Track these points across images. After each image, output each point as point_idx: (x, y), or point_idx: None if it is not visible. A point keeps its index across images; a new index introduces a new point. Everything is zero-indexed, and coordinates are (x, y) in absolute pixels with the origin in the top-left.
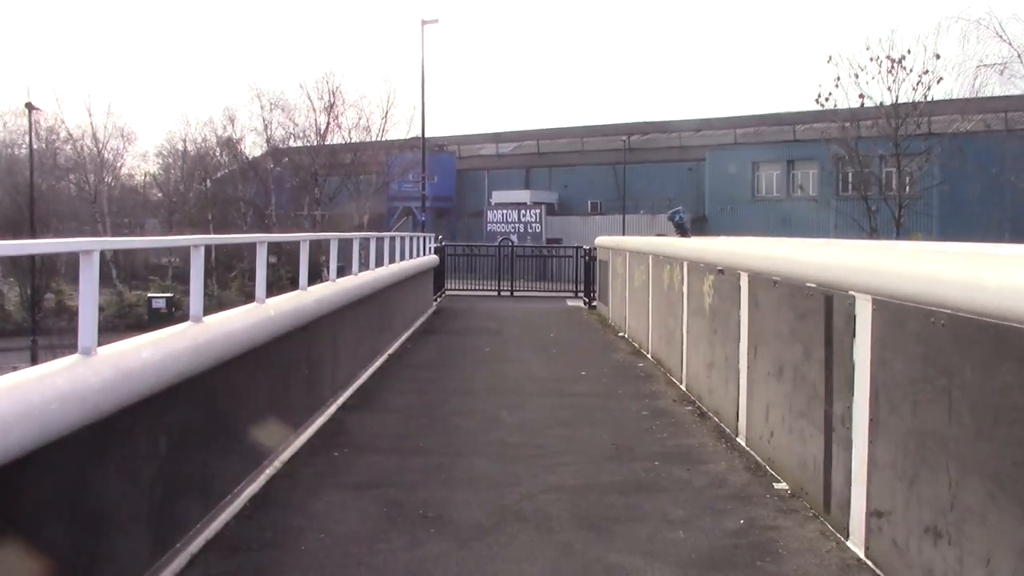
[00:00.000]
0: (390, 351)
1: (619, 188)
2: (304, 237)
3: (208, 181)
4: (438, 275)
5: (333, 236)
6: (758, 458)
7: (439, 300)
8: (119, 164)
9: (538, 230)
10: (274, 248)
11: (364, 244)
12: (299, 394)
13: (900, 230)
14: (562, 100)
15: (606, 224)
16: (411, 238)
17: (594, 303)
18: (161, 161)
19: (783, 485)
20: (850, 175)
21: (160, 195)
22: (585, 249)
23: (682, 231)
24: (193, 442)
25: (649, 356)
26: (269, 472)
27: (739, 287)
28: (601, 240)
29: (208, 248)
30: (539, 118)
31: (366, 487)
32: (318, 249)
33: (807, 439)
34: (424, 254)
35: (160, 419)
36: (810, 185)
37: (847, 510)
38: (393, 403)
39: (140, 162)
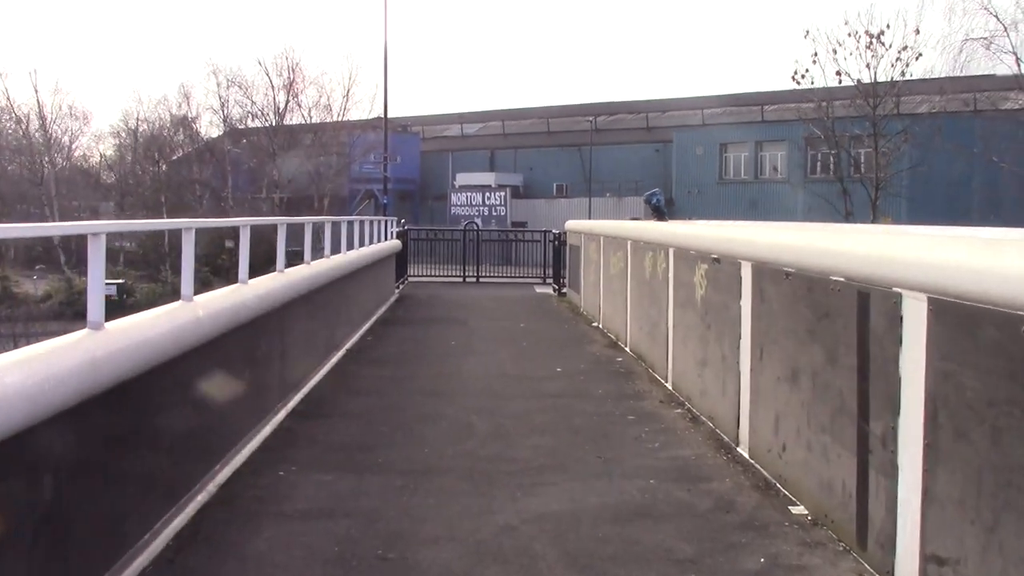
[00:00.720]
0: (348, 345)
1: (585, 170)
2: (244, 222)
3: (162, 163)
4: (401, 261)
5: (280, 220)
6: (766, 474)
7: (401, 287)
8: (73, 145)
9: (503, 213)
10: (230, 232)
11: (318, 229)
12: (239, 402)
13: (876, 212)
14: (528, 80)
15: (571, 208)
16: (371, 222)
17: (564, 290)
18: (117, 141)
19: (801, 509)
20: (820, 156)
21: (115, 177)
22: (554, 233)
23: (659, 214)
24: (95, 476)
25: (628, 349)
26: (201, 499)
27: (740, 278)
28: (572, 224)
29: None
30: (504, 98)
31: (315, 517)
32: (274, 234)
33: (832, 459)
34: (386, 239)
35: (42, 456)
36: (780, 167)
37: (891, 549)
38: (350, 407)
39: (95, 143)
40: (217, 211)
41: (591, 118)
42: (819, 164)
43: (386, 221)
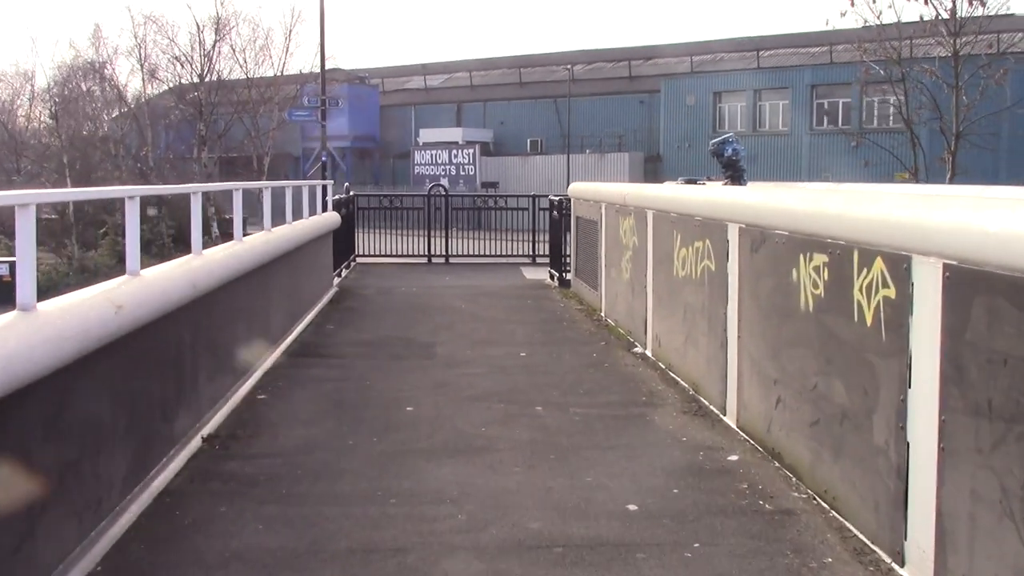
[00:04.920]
0: (212, 426)
1: (562, 125)
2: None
3: (54, 115)
4: (344, 238)
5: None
6: None
7: (345, 275)
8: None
9: (472, 172)
10: (154, 198)
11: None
12: None
13: (955, 169)
14: (497, 26)
15: (548, 165)
16: (298, 190)
17: (567, 274)
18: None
19: None
20: (827, 105)
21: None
22: (552, 200)
23: (736, 173)
24: None
25: (734, 426)
26: None
27: None
28: (582, 188)
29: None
30: (472, 47)
31: None
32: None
33: None
34: (316, 212)
35: None
36: (779, 118)
37: None
38: None
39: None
40: (136, 175)
41: (567, 67)
42: (826, 114)
43: (318, 188)
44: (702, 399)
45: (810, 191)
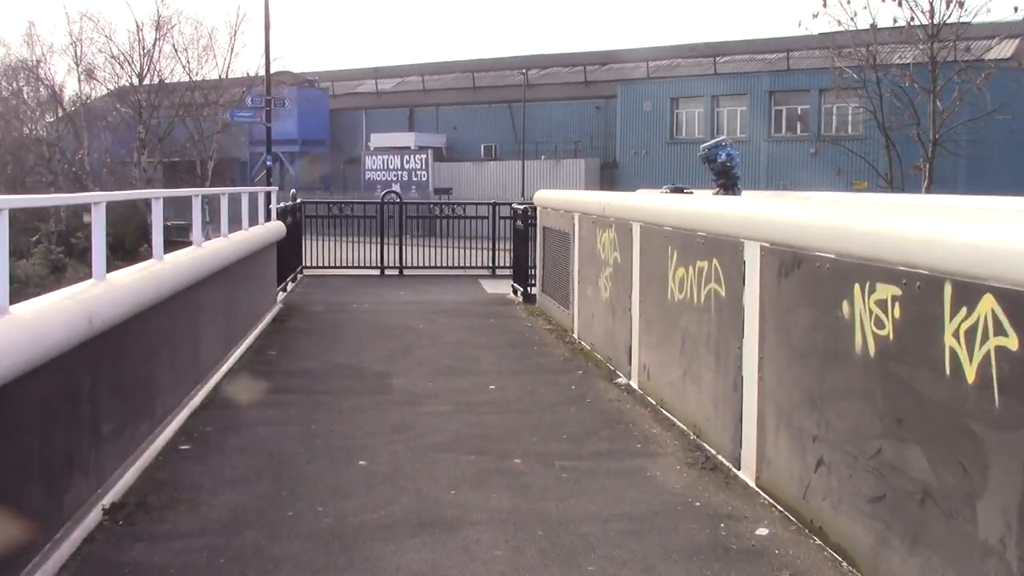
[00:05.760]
0: (126, 481)
1: (516, 130)
2: None
3: None
4: (290, 249)
5: None
6: None
7: (291, 289)
8: None
9: (424, 178)
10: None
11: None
12: None
13: (932, 178)
14: (450, 29)
15: (502, 171)
16: (236, 197)
17: (532, 289)
18: None
19: None
20: (785, 112)
21: None
22: (516, 208)
23: (729, 181)
24: None
25: (744, 476)
26: None
27: None
28: (549, 196)
29: None
30: (424, 50)
31: None
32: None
33: None
34: (259, 221)
35: None
36: (737, 125)
37: None
38: None
39: None
40: (72, 181)
41: (522, 71)
42: (784, 120)
43: (259, 195)
44: (707, 447)
45: (868, 203)
